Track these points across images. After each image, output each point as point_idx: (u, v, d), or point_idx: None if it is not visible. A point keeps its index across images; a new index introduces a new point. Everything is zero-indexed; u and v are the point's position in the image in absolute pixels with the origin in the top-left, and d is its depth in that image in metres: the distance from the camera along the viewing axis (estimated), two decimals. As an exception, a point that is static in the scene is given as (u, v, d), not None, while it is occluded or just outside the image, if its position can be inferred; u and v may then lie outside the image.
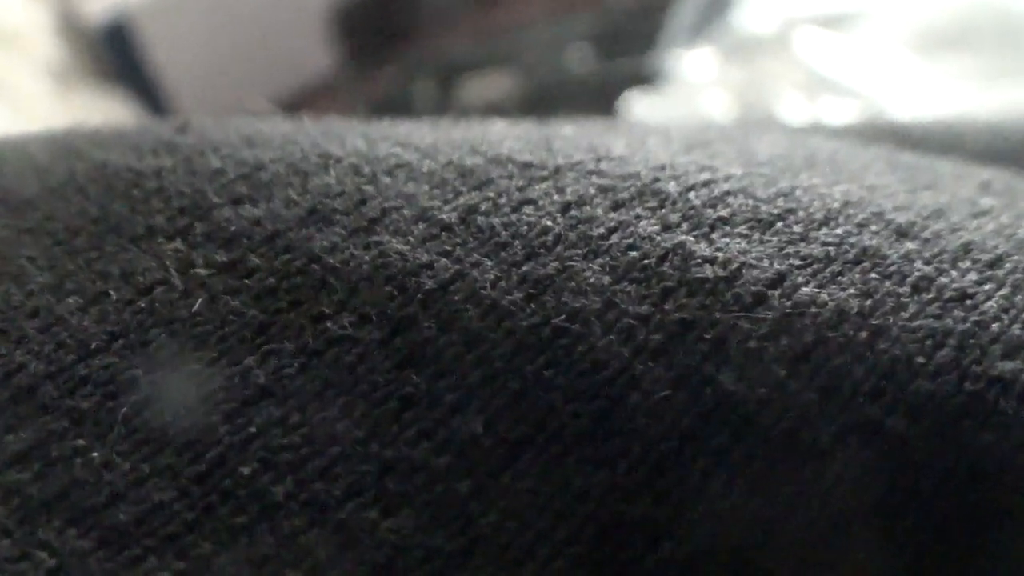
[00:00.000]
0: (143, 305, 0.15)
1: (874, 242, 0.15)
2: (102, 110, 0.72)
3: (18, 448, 0.14)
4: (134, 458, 0.14)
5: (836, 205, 0.16)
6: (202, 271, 0.16)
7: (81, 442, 0.14)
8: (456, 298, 0.15)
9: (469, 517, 0.13)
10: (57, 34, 0.75)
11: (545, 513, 0.13)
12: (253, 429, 0.14)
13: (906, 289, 0.14)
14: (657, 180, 0.16)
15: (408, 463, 0.14)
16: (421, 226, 0.16)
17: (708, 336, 0.14)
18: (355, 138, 0.18)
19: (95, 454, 0.14)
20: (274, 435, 0.14)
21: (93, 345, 0.15)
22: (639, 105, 0.49)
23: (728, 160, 0.18)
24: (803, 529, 0.13)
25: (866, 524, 0.13)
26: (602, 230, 0.15)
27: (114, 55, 0.77)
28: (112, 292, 0.16)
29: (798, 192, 0.17)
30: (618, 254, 0.15)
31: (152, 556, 0.13)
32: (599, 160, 0.17)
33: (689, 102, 0.47)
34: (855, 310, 0.14)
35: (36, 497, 0.14)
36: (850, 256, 0.15)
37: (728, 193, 0.16)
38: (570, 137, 0.19)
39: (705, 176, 0.17)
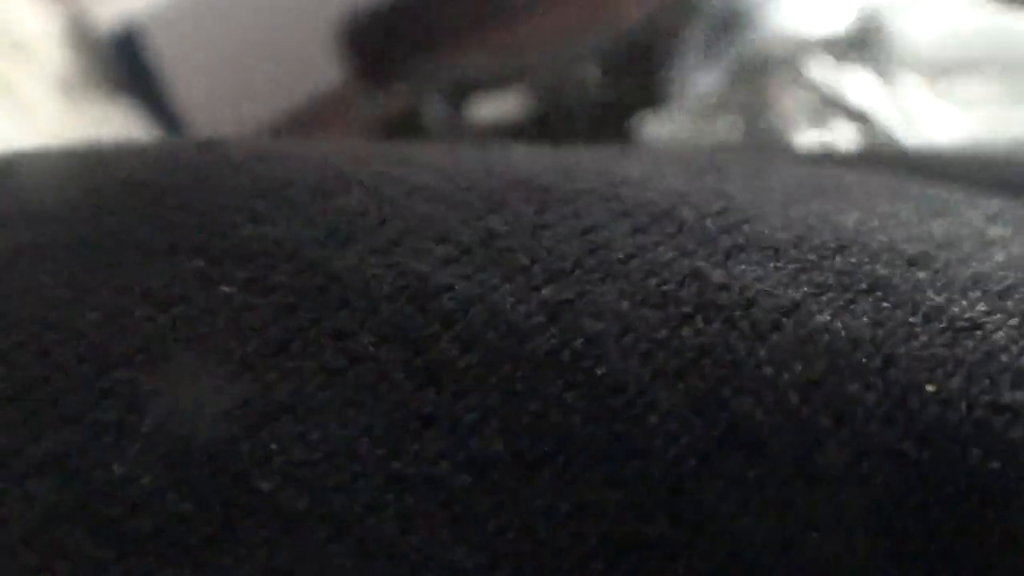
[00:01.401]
0: (164, 321, 0.16)
1: (886, 271, 0.16)
2: (111, 120, 0.73)
3: (39, 458, 0.14)
4: (155, 471, 0.14)
5: (848, 234, 0.17)
6: (224, 288, 0.16)
7: (103, 454, 0.14)
8: (476, 319, 0.15)
9: (488, 534, 0.14)
10: (66, 43, 0.76)
11: (563, 531, 0.13)
12: (274, 445, 0.14)
13: (917, 319, 0.15)
14: (674, 207, 0.17)
15: (428, 481, 0.14)
16: (441, 248, 0.16)
17: (725, 361, 0.14)
18: (374, 159, 0.18)
19: (116, 466, 0.14)
20: (294, 451, 0.14)
21: (115, 359, 0.15)
22: (650, 126, 0.49)
23: (741, 187, 0.18)
24: (815, 550, 0.13)
25: (876, 547, 0.13)
26: (620, 255, 0.16)
27: (123, 65, 0.77)
28: (133, 308, 0.16)
29: (811, 220, 0.17)
30: (637, 279, 0.15)
31: (170, 568, 0.13)
32: (616, 186, 0.17)
33: (698, 123, 0.47)
34: (868, 338, 0.14)
35: (56, 507, 0.14)
36: (863, 285, 0.15)
37: (743, 221, 0.16)
38: (586, 163, 0.19)
39: (720, 204, 0.17)
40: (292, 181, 0.18)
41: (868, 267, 0.16)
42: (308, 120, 0.81)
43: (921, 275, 0.16)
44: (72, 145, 0.21)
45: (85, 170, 0.20)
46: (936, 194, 0.20)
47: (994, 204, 0.20)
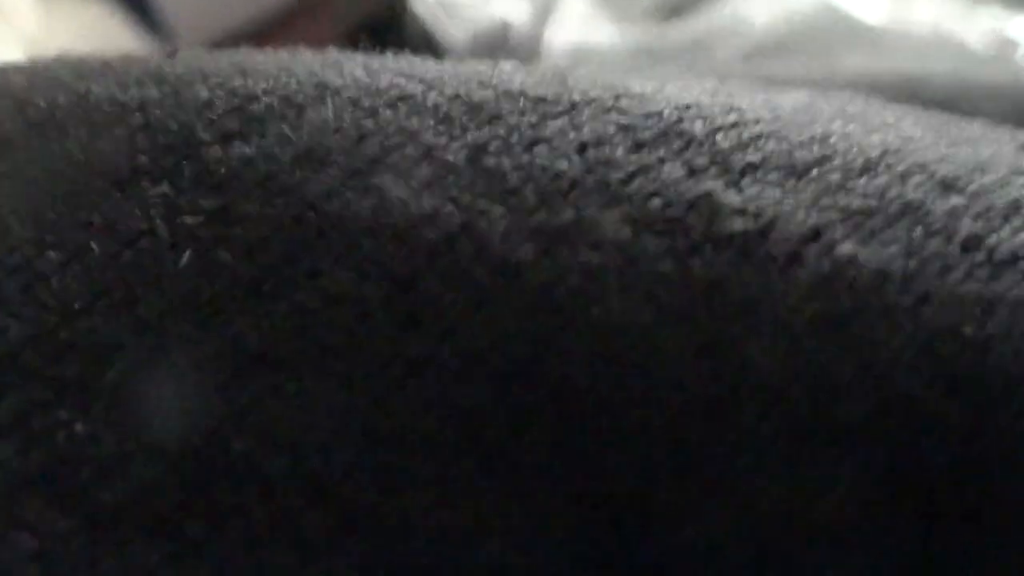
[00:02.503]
0: (127, 260, 0.14)
1: (918, 195, 0.14)
2: (94, 26, 0.70)
3: (1, 417, 0.13)
4: (120, 432, 0.13)
5: (875, 154, 0.15)
6: (189, 219, 0.15)
7: (64, 414, 0.13)
8: (462, 252, 0.13)
9: (476, 495, 0.12)
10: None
11: (558, 492, 0.12)
12: (246, 400, 0.13)
13: (954, 249, 0.13)
14: (681, 120, 0.15)
15: (412, 437, 0.13)
16: (424, 167, 0.14)
17: (737, 299, 0.13)
18: (354, 68, 0.17)
19: (79, 427, 0.13)
20: (269, 407, 0.13)
21: (76, 306, 0.14)
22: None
23: (754, 103, 0.17)
24: (830, 513, 0.12)
25: (897, 510, 0.12)
26: (622, 175, 0.14)
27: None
28: (95, 245, 0.15)
29: (833, 139, 0.15)
30: (639, 202, 0.14)
31: (139, 539, 0.13)
32: (618, 97, 0.16)
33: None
34: (898, 272, 0.13)
35: (17, 473, 0.13)
36: (892, 210, 0.14)
37: (758, 136, 0.15)
38: (586, 75, 0.17)
39: (733, 117, 0.15)
40: (264, 93, 0.16)
41: (898, 189, 0.14)
42: (289, 23, 0.78)
43: (956, 200, 0.14)
44: (33, 60, 0.20)
45: (45, 86, 0.18)
46: (956, 121, 0.19)
47: (1021, 135, 0.18)
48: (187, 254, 0.14)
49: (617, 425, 0.12)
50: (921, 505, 0.12)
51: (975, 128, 0.18)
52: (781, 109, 0.17)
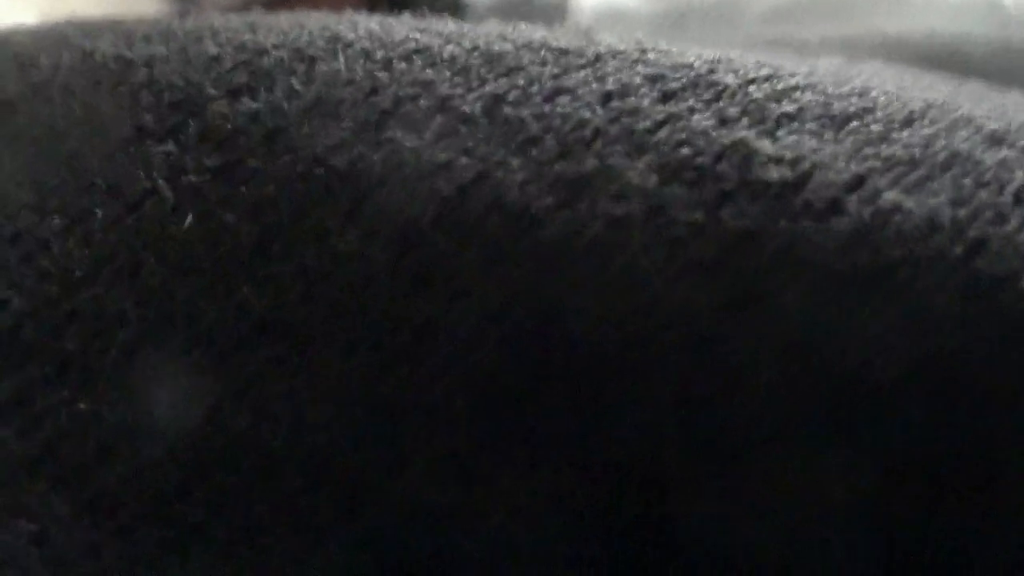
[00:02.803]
0: (131, 223, 0.14)
1: (966, 146, 0.13)
2: None
3: (3, 395, 0.13)
4: (122, 410, 0.13)
5: (918, 106, 0.14)
6: (194, 178, 0.14)
7: (66, 392, 0.13)
8: (477, 204, 0.13)
9: (487, 469, 0.12)
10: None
11: (570, 464, 0.11)
12: (248, 373, 0.12)
13: (1006, 199, 0.12)
14: (712, 71, 0.14)
15: (420, 408, 0.12)
16: (439, 119, 0.14)
17: (770, 250, 0.12)
18: (369, 22, 0.16)
19: (82, 405, 0.13)
20: (272, 379, 0.12)
21: (78, 274, 0.14)
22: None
23: (788, 63, 0.16)
24: (869, 476, 0.11)
25: (938, 477, 0.11)
26: (648, 123, 0.13)
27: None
28: (98, 209, 0.14)
29: (873, 93, 0.14)
30: (667, 151, 0.13)
31: (140, 523, 0.12)
32: (645, 51, 0.15)
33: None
34: (947, 221, 0.12)
35: (19, 455, 0.13)
36: (939, 160, 0.13)
37: (794, 88, 0.14)
38: (612, 33, 0.16)
39: (766, 71, 0.15)
40: (273, 47, 0.15)
41: (944, 141, 0.13)
42: None
43: (1007, 152, 0.13)
44: (41, 22, 0.19)
45: (50, 46, 0.17)
46: (995, 88, 0.18)
47: None
48: (191, 216, 0.14)
49: (636, 388, 0.12)
50: (970, 475, 0.11)
51: (1015, 95, 0.18)
52: (816, 67, 0.16)
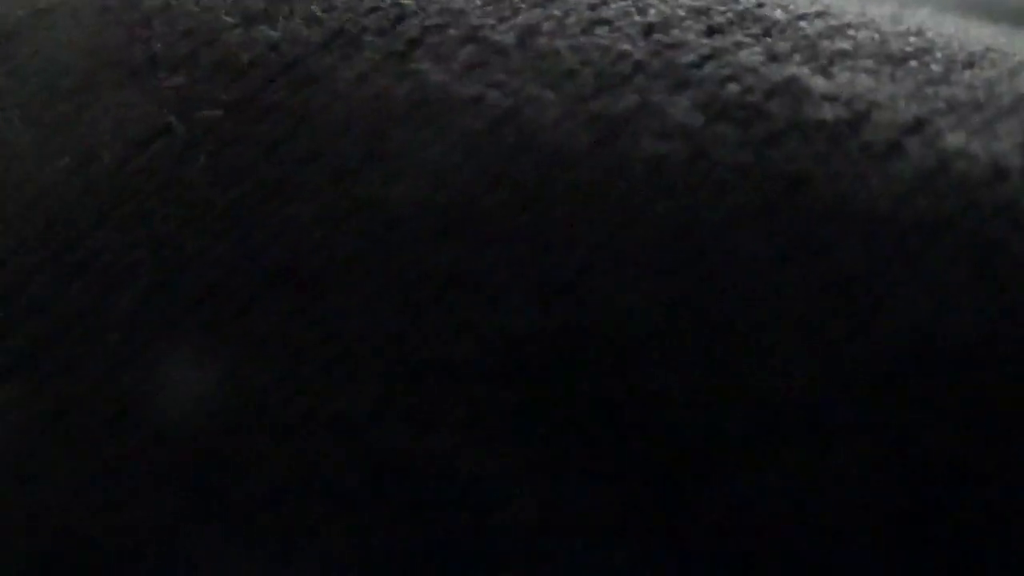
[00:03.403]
0: (139, 166, 0.13)
1: None
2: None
3: (7, 361, 0.12)
4: (136, 370, 0.12)
5: (978, 48, 0.13)
6: (207, 113, 0.13)
7: (78, 351, 0.12)
8: (507, 143, 0.12)
9: (514, 435, 0.11)
10: None
11: (611, 426, 0.11)
12: (268, 328, 0.12)
13: None
14: (761, 5, 0.13)
15: (448, 366, 0.11)
16: (468, 50, 0.13)
17: (825, 195, 0.11)
18: None
19: (92, 366, 0.12)
20: (292, 334, 0.12)
21: (86, 223, 0.13)
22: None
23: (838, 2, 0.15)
24: (934, 451, 0.10)
25: (1010, 432, 0.10)
26: (693, 58, 0.12)
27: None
28: (105, 150, 0.13)
29: (930, 34, 0.14)
30: (713, 87, 0.12)
31: (160, 491, 0.12)
32: None
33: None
34: (1016, 166, 0.11)
35: (30, 419, 0.12)
36: (1004, 103, 0.12)
37: (848, 25, 0.13)
38: None
39: (818, 6, 0.14)
40: None
41: (1008, 84, 0.12)
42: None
43: None
44: None
45: None
46: None
47: None
48: (204, 155, 0.13)
49: (679, 347, 0.11)
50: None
51: None
52: (867, 8, 0.15)
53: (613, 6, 0.13)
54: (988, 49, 0.13)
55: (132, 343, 0.12)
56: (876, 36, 0.13)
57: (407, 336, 0.12)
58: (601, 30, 0.13)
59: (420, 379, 0.11)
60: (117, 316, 0.12)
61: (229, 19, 0.14)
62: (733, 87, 0.12)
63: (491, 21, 0.13)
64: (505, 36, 0.13)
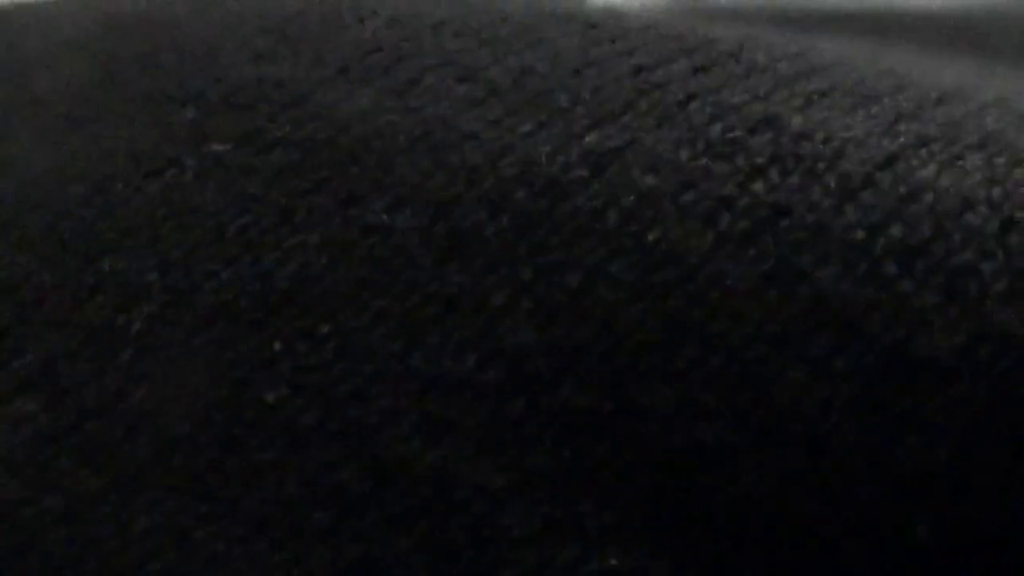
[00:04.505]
0: (153, 192, 0.14)
1: (998, 125, 0.13)
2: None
3: (26, 373, 0.13)
4: (150, 384, 0.12)
5: (949, 86, 0.14)
6: (217, 146, 0.14)
7: (92, 366, 0.13)
8: (506, 174, 0.13)
9: (521, 445, 0.12)
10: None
11: (608, 438, 0.11)
12: (277, 345, 0.12)
13: None
14: (742, 48, 0.14)
15: (451, 381, 0.12)
16: (466, 88, 0.13)
17: (805, 224, 0.12)
18: None
19: (108, 379, 0.13)
20: (301, 351, 0.12)
21: (100, 245, 0.13)
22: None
23: (816, 43, 0.16)
24: (915, 457, 0.11)
25: (992, 455, 0.11)
26: (680, 96, 0.13)
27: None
28: (119, 178, 0.14)
29: (903, 71, 0.14)
30: (698, 124, 0.13)
31: (171, 498, 0.12)
32: (675, 26, 0.15)
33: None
34: (982, 197, 0.12)
35: (46, 430, 0.12)
36: (972, 139, 0.13)
37: (825, 66, 0.14)
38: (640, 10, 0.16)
39: (796, 48, 0.14)
40: (299, 13, 0.15)
41: (976, 120, 0.13)
42: None
43: None
44: None
45: (73, 13, 0.17)
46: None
47: None
48: (213, 185, 0.13)
49: (671, 361, 0.11)
50: (998, 457, 0.11)
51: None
52: (844, 48, 0.16)
53: (602, 48, 0.14)
54: (960, 87, 0.14)
55: (145, 360, 0.13)
56: (852, 75, 0.14)
57: (411, 354, 0.12)
58: (591, 71, 0.14)
59: (428, 392, 0.12)
60: (131, 334, 0.13)
61: (237, 56, 0.15)
62: (717, 124, 0.13)
63: (487, 62, 0.14)
64: (501, 76, 0.14)
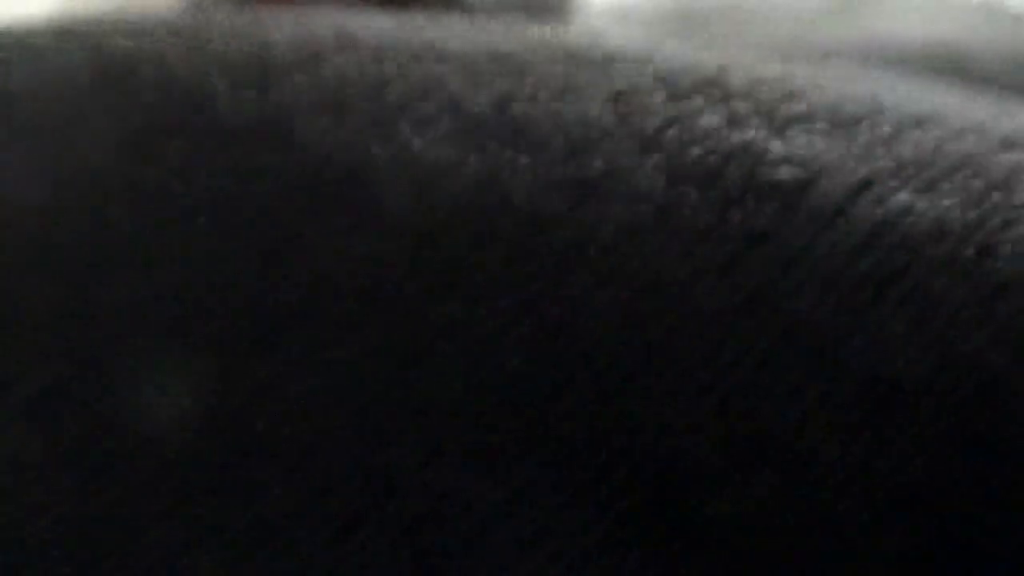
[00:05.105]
0: (146, 222, 0.14)
1: (976, 149, 0.13)
2: None
3: (21, 401, 0.13)
4: (144, 409, 0.13)
5: (926, 109, 0.14)
6: (206, 178, 0.14)
7: (88, 392, 0.13)
8: (487, 206, 0.13)
9: (511, 464, 0.12)
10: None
11: (593, 458, 0.11)
12: (270, 373, 0.12)
13: (1017, 201, 0.12)
14: (719, 72, 0.14)
15: (443, 405, 0.12)
16: (448, 117, 0.14)
17: (781, 251, 0.12)
18: (377, 19, 0.16)
19: (103, 406, 0.13)
20: (293, 379, 0.12)
21: (96, 276, 0.14)
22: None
23: (795, 66, 0.16)
24: (889, 477, 0.11)
25: (962, 475, 0.11)
26: (657, 122, 0.13)
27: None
28: (112, 208, 0.14)
29: (881, 95, 0.14)
30: (676, 151, 0.13)
31: (167, 520, 0.12)
32: (653, 51, 0.15)
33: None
34: (958, 223, 0.12)
35: (44, 454, 0.13)
36: (949, 162, 0.13)
37: (804, 89, 0.14)
38: (620, 35, 0.17)
39: (774, 72, 0.15)
40: (280, 43, 0.15)
41: (954, 144, 0.13)
42: None
43: (1017, 155, 0.13)
44: (54, 17, 0.19)
45: (64, 44, 0.18)
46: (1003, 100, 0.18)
47: None
48: (203, 217, 0.14)
49: (654, 386, 0.12)
50: (995, 472, 0.11)
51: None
52: (823, 71, 0.16)
53: (582, 75, 0.14)
54: (937, 110, 0.14)
55: (143, 386, 0.13)
56: (830, 100, 0.14)
57: (405, 380, 0.12)
58: (571, 97, 0.14)
59: (421, 416, 0.12)
60: (128, 361, 0.13)
61: (220, 86, 0.15)
62: (695, 151, 0.13)
63: (468, 90, 0.14)
64: (481, 105, 0.14)
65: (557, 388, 0.12)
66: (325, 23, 0.16)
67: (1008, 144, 0.13)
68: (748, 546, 0.11)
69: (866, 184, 0.12)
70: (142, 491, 0.12)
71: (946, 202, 0.12)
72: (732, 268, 0.12)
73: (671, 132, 0.13)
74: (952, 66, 0.25)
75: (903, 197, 0.12)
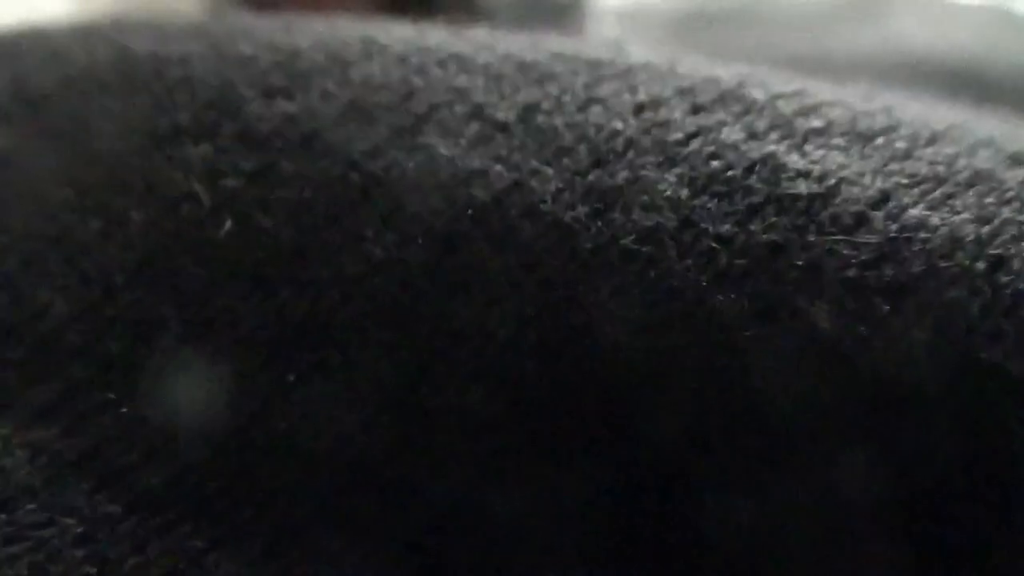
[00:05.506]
0: (169, 226, 0.14)
1: (988, 165, 0.13)
2: None
3: (44, 402, 0.13)
4: (165, 412, 0.13)
5: (941, 127, 0.14)
6: (231, 182, 0.14)
7: (110, 395, 0.13)
8: (512, 212, 0.13)
9: (525, 474, 0.12)
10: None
11: (607, 467, 0.12)
12: (290, 378, 0.13)
13: None
14: (741, 86, 0.14)
15: (457, 413, 0.12)
16: (474, 125, 0.14)
17: (800, 262, 0.12)
18: (403, 28, 0.16)
19: (125, 408, 0.13)
20: (312, 383, 0.13)
21: (119, 279, 0.14)
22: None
23: (813, 82, 0.16)
24: (904, 486, 0.11)
25: (979, 484, 0.11)
26: (680, 135, 0.13)
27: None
28: (136, 211, 0.14)
29: (897, 112, 0.15)
30: (698, 163, 0.13)
31: (185, 523, 0.12)
32: (675, 63, 0.15)
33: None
34: (971, 237, 0.12)
35: (64, 456, 0.13)
36: (962, 178, 0.13)
37: (822, 104, 0.14)
38: (642, 47, 0.17)
39: (793, 87, 0.15)
40: (308, 49, 0.16)
41: (967, 160, 0.13)
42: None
43: None
44: (77, 18, 0.19)
45: (86, 42, 0.18)
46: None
47: None
48: (228, 222, 0.14)
49: (669, 395, 0.12)
50: (1011, 482, 0.11)
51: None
52: (841, 85, 0.16)
53: (606, 86, 0.14)
54: (951, 126, 0.14)
55: (161, 390, 0.13)
56: (847, 115, 0.14)
57: (421, 383, 0.12)
58: (595, 108, 0.14)
59: (433, 421, 0.12)
60: (147, 365, 0.13)
61: (249, 92, 0.15)
62: (716, 163, 0.13)
63: (493, 99, 0.14)
64: (507, 114, 0.14)
65: (571, 395, 0.12)
66: (350, 30, 0.16)
67: (1019, 161, 0.14)
68: (758, 553, 0.12)
69: (883, 198, 0.12)
70: (160, 492, 0.12)
71: (959, 217, 0.12)
72: (751, 278, 0.12)
73: (693, 144, 0.13)
74: (966, 73, 0.25)
75: (918, 211, 0.12)
